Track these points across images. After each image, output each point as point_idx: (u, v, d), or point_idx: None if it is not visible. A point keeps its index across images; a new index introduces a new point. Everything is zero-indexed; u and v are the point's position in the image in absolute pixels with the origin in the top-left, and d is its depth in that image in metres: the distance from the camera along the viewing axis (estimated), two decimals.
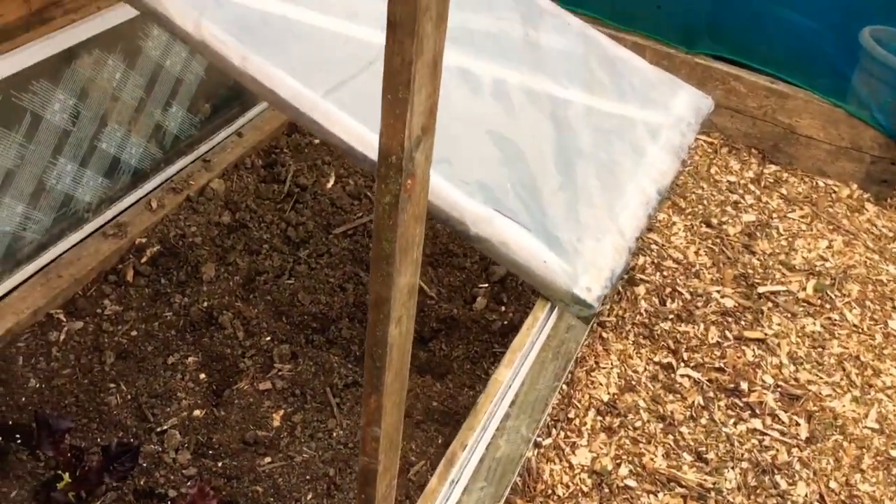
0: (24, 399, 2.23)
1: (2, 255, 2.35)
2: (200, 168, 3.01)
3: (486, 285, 2.90)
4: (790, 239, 3.40)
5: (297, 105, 2.08)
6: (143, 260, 2.69)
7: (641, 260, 3.21)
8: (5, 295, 2.39)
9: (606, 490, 2.39)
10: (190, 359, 2.43)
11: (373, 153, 2.05)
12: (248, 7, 2.23)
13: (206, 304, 2.59)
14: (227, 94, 3.08)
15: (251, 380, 2.42)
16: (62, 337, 2.41)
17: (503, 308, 2.85)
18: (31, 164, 2.34)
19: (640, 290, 3.06)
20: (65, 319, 2.46)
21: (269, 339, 2.54)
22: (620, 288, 3.05)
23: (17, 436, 2.09)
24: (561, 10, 2.92)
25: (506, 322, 2.77)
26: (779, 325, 2.98)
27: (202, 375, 2.40)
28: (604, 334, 2.89)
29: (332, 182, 3.19)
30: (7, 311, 2.35)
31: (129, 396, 2.30)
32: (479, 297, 2.85)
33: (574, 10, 3.08)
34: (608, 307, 2.99)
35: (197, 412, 2.31)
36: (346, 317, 2.65)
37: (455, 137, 2.23)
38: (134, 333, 2.47)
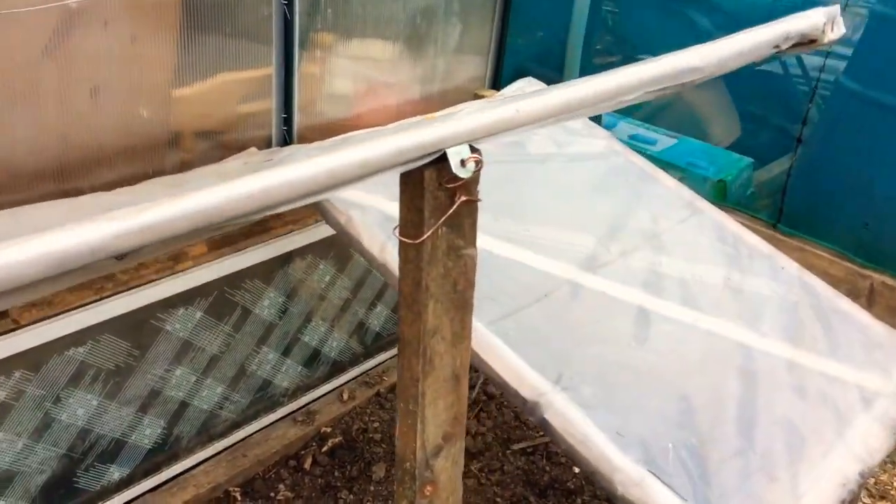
0: None
1: (197, 430, 2.58)
2: (396, 365, 3.14)
3: None
4: None
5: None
6: (324, 449, 2.81)
7: None
8: (192, 468, 2.59)
9: None
10: None
11: (527, 391, 2.03)
12: None
13: None
14: None
15: None
16: None
17: None
18: (236, 351, 2.59)
19: None
20: (240, 499, 2.61)
21: None
22: None
23: None
24: (776, 252, 2.75)
25: None
26: None
27: None
28: None
29: None
30: (190, 483, 2.55)
31: None
32: None
33: (809, 242, 2.88)
34: None
35: None
36: None
37: (616, 384, 2.13)
38: None
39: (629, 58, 4.72)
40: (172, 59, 2.26)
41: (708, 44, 1.08)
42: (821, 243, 3.72)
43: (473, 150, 0.86)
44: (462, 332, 0.93)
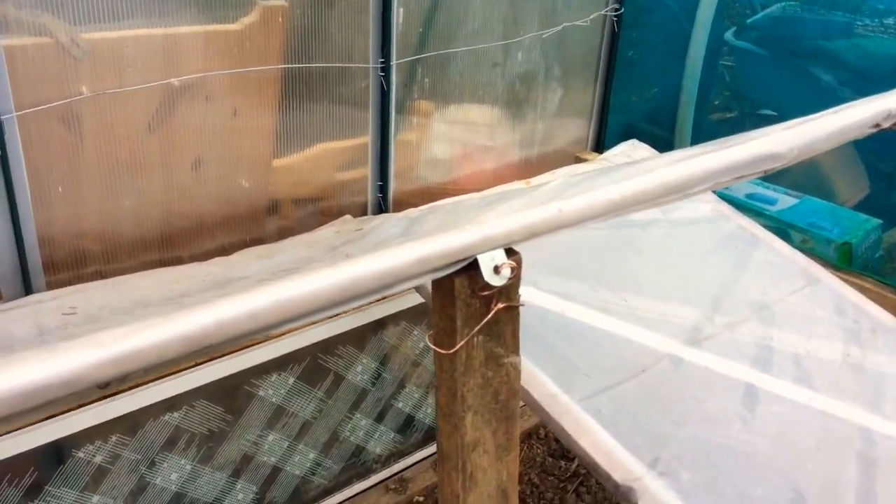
0: None
1: (289, 495, 2.58)
2: None
3: None
4: None
5: (548, 409, 2.02)
6: None
7: None
8: None
9: None
10: None
11: (620, 475, 1.92)
12: (527, 303, 2.29)
13: None
14: None
15: None
16: None
17: None
18: (329, 417, 2.59)
19: None
20: None
21: None
22: None
23: None
24: None
25: None
26: None
27: None
28: None
29: None
30: None
31: None
32: None
33: None
34: None
35: None
36: None
37: (719, 470, 1.98)
38: None
39: (748, 114, 4.55)
40: (272, 130, 2.33)
41: (794, 124, 0.97)
42: None
43: (511, 252, 0.80)
44: (507, 443, 0.86)
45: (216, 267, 2.09)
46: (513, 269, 0.80)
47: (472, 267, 0.77)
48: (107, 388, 0.69)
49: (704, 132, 4.44)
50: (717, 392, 2.19)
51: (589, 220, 0.85)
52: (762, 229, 2.82)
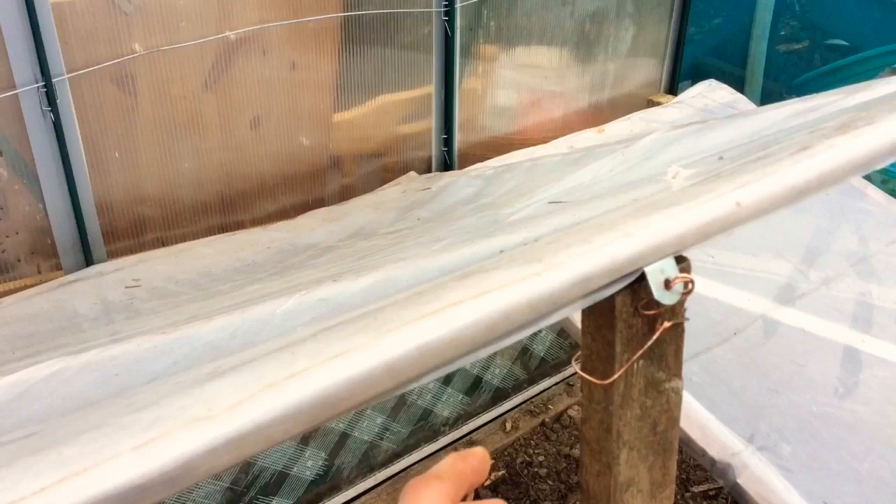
0: None
1: (357, 461, 2.52)
2: (562, 392, 2.95)
3: None
4: None
5: None
6: (487, 483, 2.67)
7: None
8: (354, 498, 2.53)
9: None
10: None
11: (715, 450, 1.80)
12: None
13: None
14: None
15: None
16: None
17: None
18: None
19: None
20: None
21: None
22: None
23: None
24: None
25: None
26: None
27: None
28: None
29: None
30: None
31: None
32: None
33: None
34: None
35: None
36: None
37: (822, 442, 1.85)
38: None
39: (818, 45, 4.27)
40: (332, 83, 2.19)
41: None
42: None
43: (680, 259, 0.65)
44: (663, 479, 0.74)
45: (281, 232, 1.98)
46: (686, 284, 0.66)
47: (638, 281, 0.63)
48: None
49: (775, 66, 4.19)
50: (815, 355, 2.04)
51: (769, 213, 0.71)
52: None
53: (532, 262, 0.59)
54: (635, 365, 0.67)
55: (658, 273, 0.65)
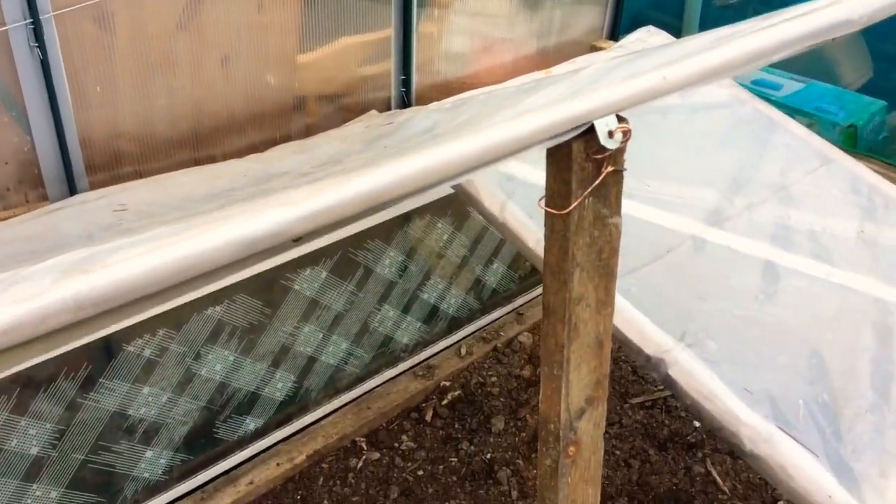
0: None
1: (324, 384, 2.70)
2: (513, 320, 3.18)
3: None
4: None
5: None
6: (444, 403, 2.88)
7: None
8: (321, 419, 2.72)
9: None
10: None
11: (650, 348, 2.02)
12: None
13: (489, 455, 2.69)
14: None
15: None
16: (360, 465, 2.66)
17: None
18: (359, 309, 2.68)
19: None
20: (365, 448, 2.72)
21: None
22: None
23: None
24: None
25: None
26: None
27: None
28: None
29: None
30: (319, 433, 2.68)
31: None
32: (782, 503, 2.58)
33: None
34: None
35: None
36: (626, 495, 2.57)
37: (743, 340, 2.09)
38: (420, 473, 2.65)
39: (751, 0, 4.51)
40: (297, 25, 2.32)
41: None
42: None
43: (620, 119, 0.86)
44: (606, 298, 0.94)
45: (254, 163, 2.13)
46: (624, 134, 0.86)
47: (588, 133, 0.83)
48: (299, 242, 0.77)
49: (711, 19, 4.42)
50: (739, 269, 2.28)
51: (691, 84, 0.90)
52: (778, 112, 2.86)
53: (519, 114, 0.77)
54: (586, 202, 0.86)
55: (603, 125, 0.85)
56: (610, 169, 0.87)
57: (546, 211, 0.89)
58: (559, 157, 0.85)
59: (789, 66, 4.38)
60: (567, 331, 0.91)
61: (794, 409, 1.99)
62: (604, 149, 0.84)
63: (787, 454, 1.89)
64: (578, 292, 0.89)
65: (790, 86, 4.15)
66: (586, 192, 0.86)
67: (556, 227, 0.88)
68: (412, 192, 0.76)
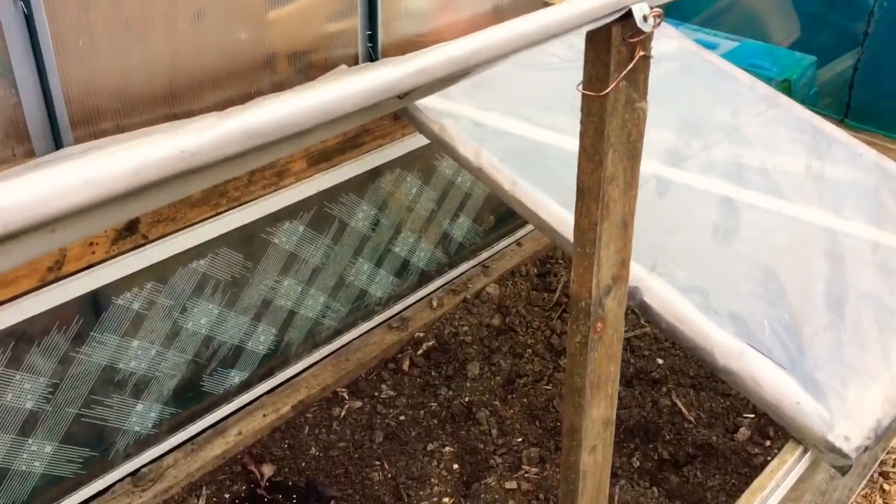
0: (303, 464, 2.56)
1: (304, 337, 2.76)
2: (479, 273, 3.28)
3: (753, 416, 2.79)
4: None
5: (557, 228, 2.23)
6: (420, 352, 2.97)
7: None
8: (302, 371, 2.78)
9: None
10: (447, 448, 2.63)
11: None
12: (525, 138, 2.46)
13: (467, 399, 2.79)
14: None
15: (499, 477, 2.55)
16: (343, 413, 2.74)
17: (768, 443, 2.72)
18: (335, 263, 2.74)
19: None
20: (347, 398, 2.80)
21: (520, 440, 2.66)
22: None
23: (294, 496, 2.42)
24: (853, 141, 2.80)
25: (769, 458, 2.63)
26: None
27: (455, 465, 2.59)
28: (885, 486, 2.63)
29: None
30: (301, 385, 2.74)
31: (389, 475, 2.55)
32: (743, 428, 2.75)
33: (878, 135, 2.94)
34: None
35: (446, 500, 2.48)
36: None
37: (709, 268, 2.24)
38: (402, 418, 2.74)
39: None
40: None
41: None
42: (890, 136, 3.74)
43: (652, 8, 0.96)
44: (632, 180, 1.04)
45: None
46: (657, 18, 0.96)
47: (625, 17, 0.92)
48: (404, 99, 0.88)
49: None
50: (700, 205, 2.43)
51: None
52: (724, 61, 3.02)
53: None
54: (619, 85, 0.96)
55: (639, 10, 0.94)
56: (641, 53, 0.97)
57: (584, 94, 0.98)
58: (598, 42, 0.95)
59: (723, 26, 4.58)
60: (600, 209, 1.01)
61: (759, 328, 2.15)
62: (640, 31, 0.94)
63: (758, 367, 2.05)
64: (611, 172, 0.99)
65: (726, 45, 4.34)
66: (622, 75, 0.95)
67: (592, 111, 0.98)
68: (494, 58, 0.85)
